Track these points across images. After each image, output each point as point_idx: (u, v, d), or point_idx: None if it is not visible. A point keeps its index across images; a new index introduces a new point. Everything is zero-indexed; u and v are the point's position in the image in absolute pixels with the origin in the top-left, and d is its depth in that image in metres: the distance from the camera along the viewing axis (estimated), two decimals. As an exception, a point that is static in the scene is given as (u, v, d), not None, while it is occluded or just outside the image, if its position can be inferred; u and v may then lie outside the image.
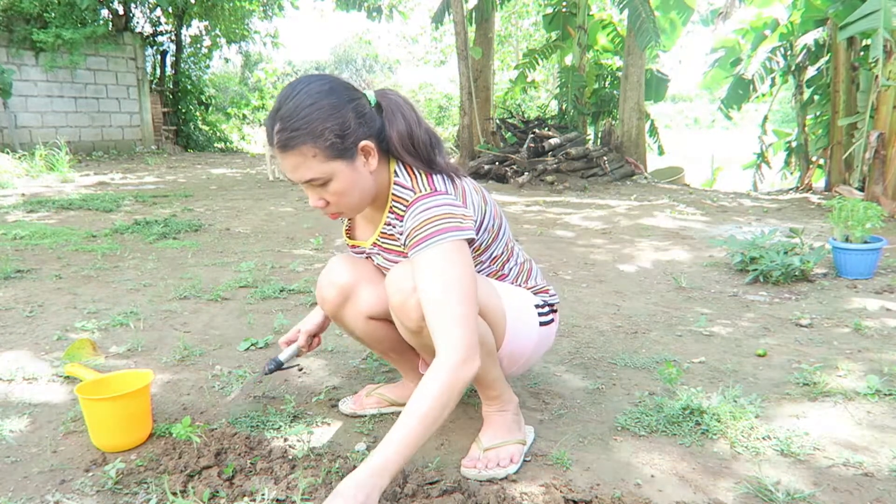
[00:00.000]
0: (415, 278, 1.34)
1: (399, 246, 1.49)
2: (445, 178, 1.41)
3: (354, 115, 1.32)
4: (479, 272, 1.54)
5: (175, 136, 15.19)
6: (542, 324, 1.61)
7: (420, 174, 1.40)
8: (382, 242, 1.53)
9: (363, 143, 1.34)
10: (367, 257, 1.63)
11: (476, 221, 1.43)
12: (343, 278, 1.59)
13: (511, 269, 1.62)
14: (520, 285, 1.63)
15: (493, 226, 1.52)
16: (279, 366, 1.69)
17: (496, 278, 1.60)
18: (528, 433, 1.62)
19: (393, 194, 1.43)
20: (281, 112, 1.31)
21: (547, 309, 1.65)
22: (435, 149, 1.42)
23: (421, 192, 1.37)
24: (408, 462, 1.23)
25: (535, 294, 1.65)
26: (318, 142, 1.29)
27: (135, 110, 13.62)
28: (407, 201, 1.38)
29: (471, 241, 1.39)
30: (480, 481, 1.44)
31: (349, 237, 1.66)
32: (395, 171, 1.43)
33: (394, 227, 1.47)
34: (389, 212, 1.46)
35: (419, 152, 1.40)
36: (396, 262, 1.49)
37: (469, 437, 1.63)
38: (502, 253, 1.58)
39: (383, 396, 1.83)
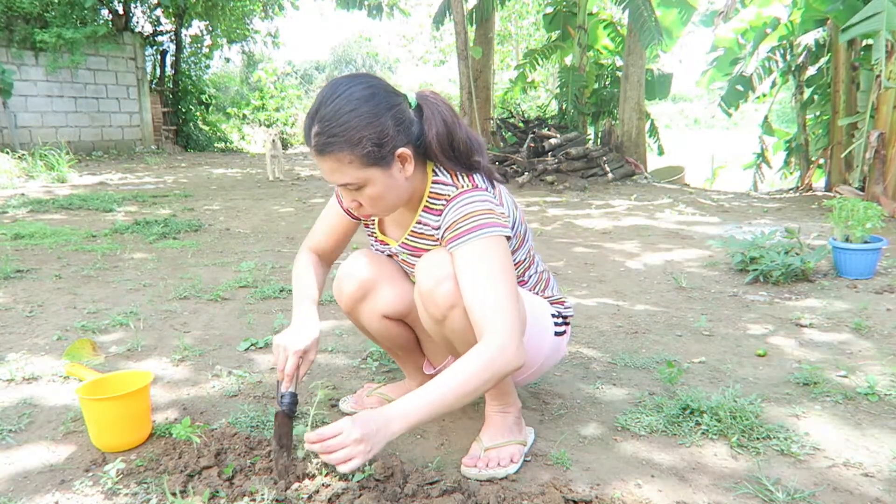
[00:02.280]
0: (456, 269, 1.34)
1: (431, 244, 1.48)
2: (485, 177, 1.43)
3: (393, 123, 1.30)
4: None
5: (175, 136, 15.19)
6: (556, 334, 1.62)
7: (461, 174, 1.41)
8: (411, 241, 1.52)
9: (400, 150, 1.32)
10: (389, 255, 1.62)
11: (511, 223, 1.45)
12: (364, 273, 1.58)
13: (530, 277, 1.61)
14: (537, 294, 1.63)
15: (520, 231, 1.53)
16: (294, 402, 1.42)
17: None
18: (528, 434, 1.62)
19: (431, 192, 1.43)
20: (320, 114, 1.28)
21: (561, 320, 1.65)
22: (475, 151, 1.42)
23: (463, 187, 1.38)
24: (426, 422, 1.23)
25: (550, 304, 1.64)
26: (355, 150, 1.27)
27: (135, 110, 13.62)
28: (448, 196, 1.39)
29: (508, 239, 1.40)
30: (480, 480, 1.44)
31: (380, 232, 1.62)
32: (434, 171, 1.43)
33: (428, 224, 1.46)
34: (424, 210, 1.46)
35: (458, 155, 1.40)
36: None
37: (469, 437, 1.63)
38: (524, 259, 1.58)
39: (384, 396, 1.83)
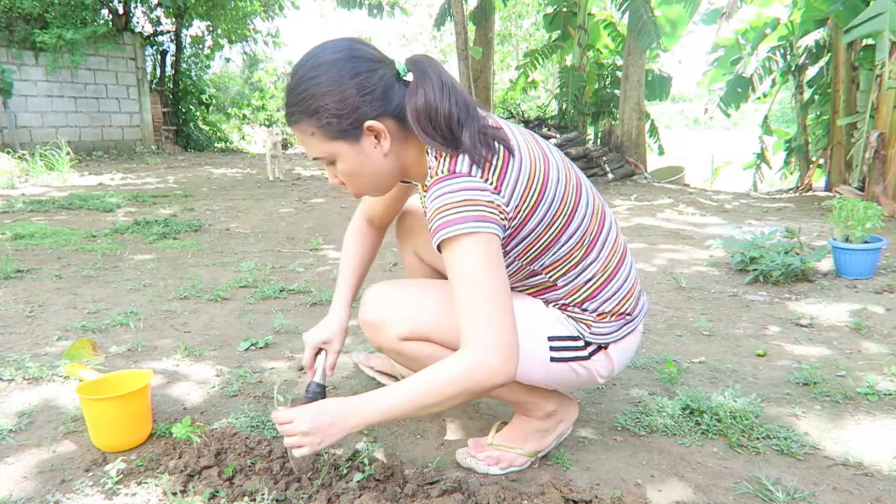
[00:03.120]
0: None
1: None
2: (475, 157, 1.17)
3: (357, 92, 1.16)
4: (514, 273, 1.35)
5: (175, 136, 15.19)
6: (555, 359, 1.37)
7: (444, 155, 1.19)
8: None
9: (368, 123, 1.18)
10: None
11: (513, 215, 1.21)
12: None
13: (566, 285, 1.35)
14: (567, 305, 1.38)
15: (550, 227, 1.26)
16: (323, 390, 1.45)
17: (541, 289, 1.38)
18: (556, 439, 1.54)
19: (427, 174, 1.27)
20: (288, 84, 1.21)
21: (581, 343, 1.38)
22: (463, 124, 1.18)
23: (439, 174, 1.18)
24: (385, 423, 1.25)
25: (574, 321, 1.38)
26: (312, 119, 1.18)
27: (135, 110, 13.63)
28: (427, 184, 1.22)
29: (498, 236, 1.17)
30: (462, 465, 1.50)
31: None
32: (427, 150, 1.24)
33: None
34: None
35: (437, 131, 1.18)
36: None
37: (469, 437, 1.62)
38: (560, 260, 1.32)
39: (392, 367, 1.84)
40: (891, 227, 4.61)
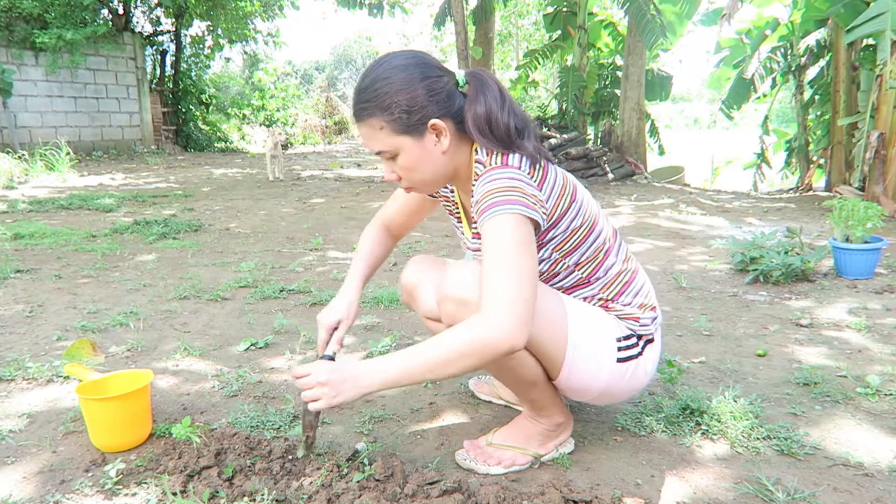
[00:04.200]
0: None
1: None
2: (525, 157, 1.34)
3: (425, 93, 1.31)
4: (558, 277, 1.47)
5: (175, 136, 15.19)
6: (621, 360, 1.45)
7: (497, 153, 1.35)
8: (475, 229, 1.48)
9: (433, 121, 1.32)
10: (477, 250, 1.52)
11: (547, 210, 1.35)
12: (407, 278, 1.65)
13: (598, 280, 1.47)
14: (607, 301, 1.48)
15: (580, 227, 1.41)
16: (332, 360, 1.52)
17: (576, 286, 1.48)
18: (557, 448, 1.55)
19: (474, 173, 1.40)
20: (360, 84, 1.34)
21: (634, 340, 1.48)
22: (520, 133, 1.35)
23: (492, 165, 1.33)
24: (398, 386, 1.32)
25: (621, 319, 1.48)
26: (384, 115, 1.31)
27: (135, 110, 13.63)
28: (479, 175, 1.35)
29: (537, 225, 1.31)
30: (461, 467, 1.50)
31: (467, 227, 1.58)
32: (476, 150, 1.39)
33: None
34: (472, 194, 1.41)
35: (495, 135, 1.34)
36: None
37: (469, 437, 1.63)
38: (589, 259, 1.45)
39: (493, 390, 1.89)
40: (891, 227, 4.61)
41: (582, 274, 1.46)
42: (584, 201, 1.44)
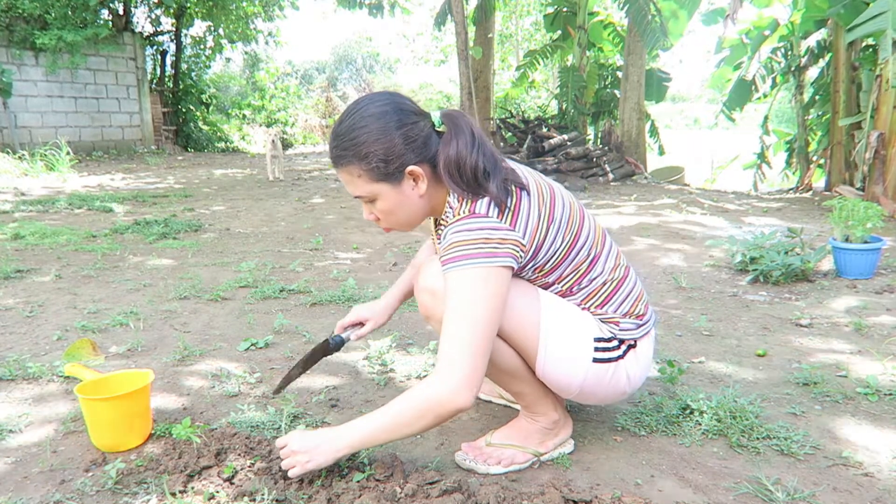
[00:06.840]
0: None
1: None
2: (492, 202, 1.32)
3: (402, 141, 1.33)
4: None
5: (175, 136, 15.20)
6: (598, 360, 1.45)
7: (466, 198, 1.34)
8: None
9: (410, 168, 1.34)
10: None
11: (529, 245, 1.35)
12: (430, 282, 1.62)
13: (580, 290, 1.46)
14: (587, 309, 1.48)
15: (560, 248, 1.40)
16: (341, 343, 1.70)
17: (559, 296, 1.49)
18: (556, 448, 1.56)
19: (444, 215, 1.43)
20: (337, 129, 1.37)
21: (616, 343, 1.48)
22: (489, 176, 1.33)
23: (459, 214, 1.33)
24: (362, 448, 1.38)
25: (603, 322, 1.48)
26: (361, 163, 1.33)
27: (135, 110, 13.63)
28: (447, 222, 1.36)
29: (510, 266, 1.31)
30: (461, 467, 1.50)
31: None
32: (450, 192, 1.39)
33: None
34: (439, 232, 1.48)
35: (463, 179, 1.33)
36: None
37: (469, 438, 1.63)
38: (570, 273, 1.44)
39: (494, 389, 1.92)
40: (891, 227, 4.61)
41: (562, 287, 1.46)
42: (564, 217, 1.41)
